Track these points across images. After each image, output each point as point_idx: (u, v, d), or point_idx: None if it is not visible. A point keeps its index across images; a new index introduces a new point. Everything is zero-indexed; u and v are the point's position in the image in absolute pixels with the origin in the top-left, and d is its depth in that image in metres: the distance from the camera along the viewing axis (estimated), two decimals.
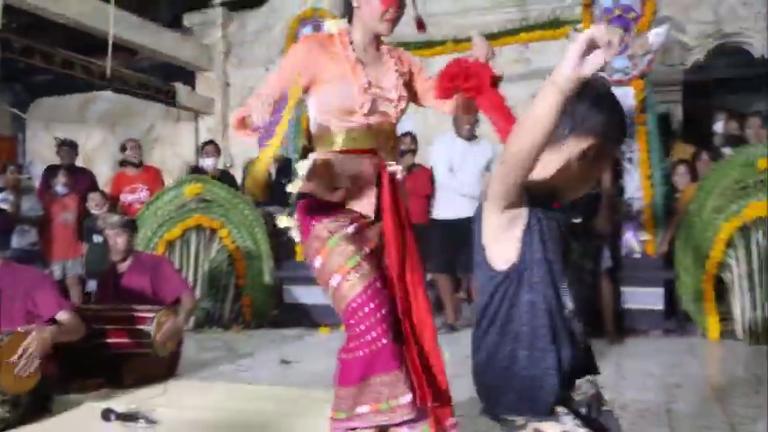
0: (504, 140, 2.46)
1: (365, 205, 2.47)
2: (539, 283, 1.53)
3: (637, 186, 6.06)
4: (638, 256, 6.03)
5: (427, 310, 2.52)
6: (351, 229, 2.43)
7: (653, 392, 3.92)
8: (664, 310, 5.84)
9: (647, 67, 6.23)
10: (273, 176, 7.59)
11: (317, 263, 2.46)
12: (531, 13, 7.49)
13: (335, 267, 2.40)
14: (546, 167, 1.57)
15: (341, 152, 2.47)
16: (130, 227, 5.02)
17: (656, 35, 6.22)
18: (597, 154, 1.58)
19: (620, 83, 6.20)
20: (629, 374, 4.39)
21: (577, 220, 5.56)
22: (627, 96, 6.20)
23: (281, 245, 7.04)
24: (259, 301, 6.98)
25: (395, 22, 2.46)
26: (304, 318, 6.75)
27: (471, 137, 6.14)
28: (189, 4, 10.38)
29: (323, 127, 2.51)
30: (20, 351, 3.41)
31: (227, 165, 9.12)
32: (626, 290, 5.89)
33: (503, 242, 1.54)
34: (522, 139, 1.41)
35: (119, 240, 4.85)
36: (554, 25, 7.00)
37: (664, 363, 4.73)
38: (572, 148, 1.57)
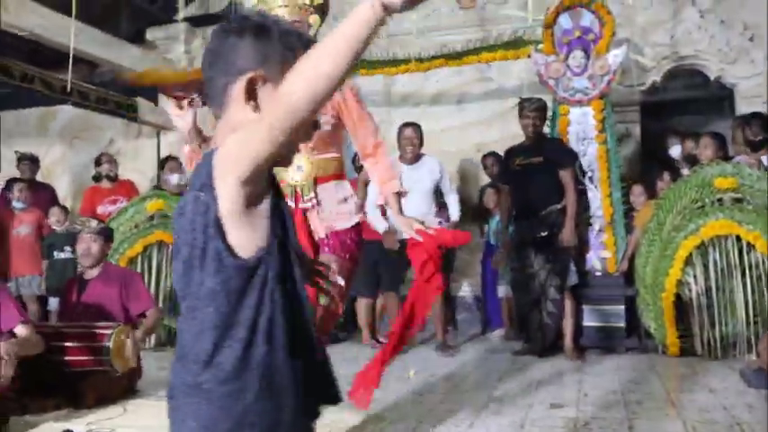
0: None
1: None
2: (276, 278, 1.29)
3: (598, 205, 6.14)
4: (599, 274, 6.09)
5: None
6: None
7: (615, 409, 3.93)
8: (625, 328, 5.89)
9: (605, 87, 6.33)
10: None
11: None
12: (493, 33, 7.55)
13: None
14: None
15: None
16: (106, 235, 4.99)
17: (614, 56, 6.33)
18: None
19: (579, 103, 6.31)
20: (590, 391, 4.40)
21: (543, 234, 5.60)
22: (587, 116, 6.30)
23: None
24: None
25: None
26: None
27: (414, 160, 6.15)
28: (151, 20, 10.29)
29: None
30: None
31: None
32: (587, 307, 5.95)
33: (246, 225, 1.26)
34: (314, 73, 1.13)
35: (93, 246, 4.80)
36: (515, 45, 7.08)
37: (625, 379, 4.76)
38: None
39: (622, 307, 5.90)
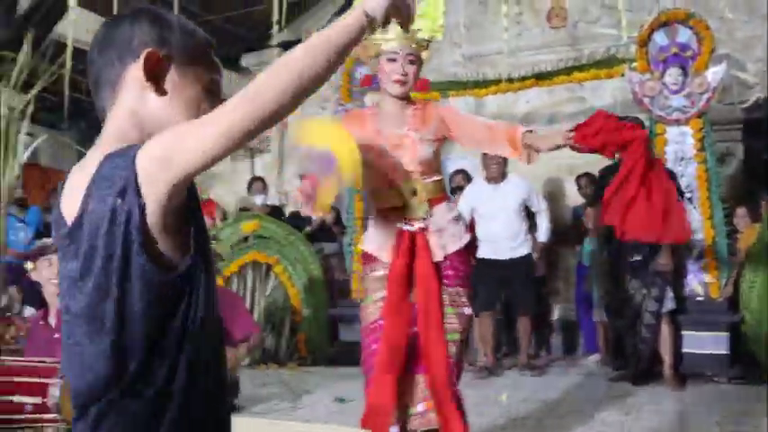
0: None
1: (386, 256, 2.77)
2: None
3: (699, 227, 5.90)
4: (701, 298, 5.85)
5: (440, 353, 2.70)
6: (378, 274, 2.80)
7: None
8: (728, 356, 5.63)
9: (705, 105, 6.10)
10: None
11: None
12: (585, 52, 7.42)
13: (361, 306, 2.99)
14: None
15: (380, 209, 2.83)
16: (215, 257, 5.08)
17: (714, 73, 6.11)
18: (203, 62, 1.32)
19: (677, 122, 6.11)
20: (692, 423, 4.23)
21: (638, 258, 5.42)
22: (685, 135, 6.10)
23: (337, 283, 7.05)
24: (315, 338, 6.96)
25: (403, 83, 2.68)
26: (359, 356, 6.68)
27: (499, 177, 6.07)
28: (247, 46, 10.58)
29: (370, 188, 2.91)
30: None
31: (283, 202, 9.18)
32: (688, 333, 5.72)
33: (170, 237, 1.13)
34: (287, 70, 1.09)
35: None
36: (608, 64, 6.91)
37: (728, 411, 4.53)
38: (184, 80, 1.26)
39: (726, 334, 5.64)
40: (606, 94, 8.23)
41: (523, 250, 6.08)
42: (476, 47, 8.37)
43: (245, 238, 7.10)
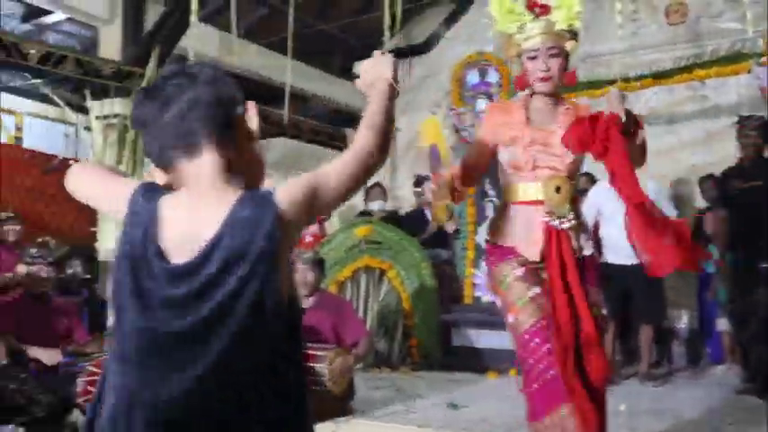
0: (627, 202, 2.54)
1: (531, 251, 2.63)
2: None
3: None
4: None
5: (597, 353, 2.53)
6: (519, 272, 2.62)
7: None
8: None
9: None
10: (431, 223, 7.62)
11: (498, 302, 2.77)
12: (707, 48, 7.12)
13: (508, 306, 2.65)
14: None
15: (517, 203, 2.68)
16: (320, 265, 5.18)
17: None
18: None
19: None
20: None
21: (766, 264, 5.17)
22: None
23: (449, 287, 7.04)
24: (427, 342, 6.97)
25: (548, 80, 2.55)
26: (473, 361, 6.66)
27: None
28: (358, 53, 10.72)
29: (506, 181, 2.76)
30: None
31: (397, 207, 9.25)
32: None
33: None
34: (382, 136, 1.41)
35: (309, 275, 5.00)
36: (733, 60, 6.62)
37: None
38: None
39: None
40: (731, 91, 7.90)
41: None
42: (589, 47, 8.18)
43: (358, 243, 7.18)
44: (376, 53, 1.68)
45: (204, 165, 1.30)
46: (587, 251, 2.67)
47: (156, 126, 1.33)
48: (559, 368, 2.46)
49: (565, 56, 2.54)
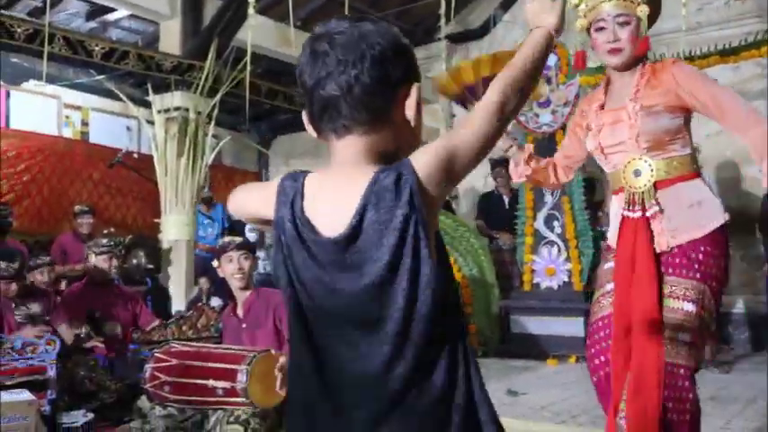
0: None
1: (613, 241, 2.47)
2: None
3: None
4: None
5: (650, 351, 2.28)
6: (608, 266, 2.47)
7: None
8: None
9: None
10: (506, 205, 7.63)
11: None
12: None
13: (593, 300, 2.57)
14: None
15: (612, 193, 2.51)
16: None
17: None
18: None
19: None
20: None
21: None
22: None
23: (508, 275, 7.00)
24: (486, 329, 6.95)
25: (617, 51, 2.30)
26: (531, 348, 6.62)
27: None
28: (414, 40, 10.70)
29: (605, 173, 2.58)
30: (277, 368, 3.62)
31: (453, 195, 9.22)
32: None
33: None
34: (518, 83, 1.29)
35: None
36: None
37: None
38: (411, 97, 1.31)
39: None
40: None
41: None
42: (654, 25, 8.00)
43: None
44: None
45: (351, 145, 1.28)
46: (689, 236, 2.30)
47: (311, 94, 1.32)
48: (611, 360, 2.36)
49: (637, 23, 2.28)
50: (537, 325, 6.66)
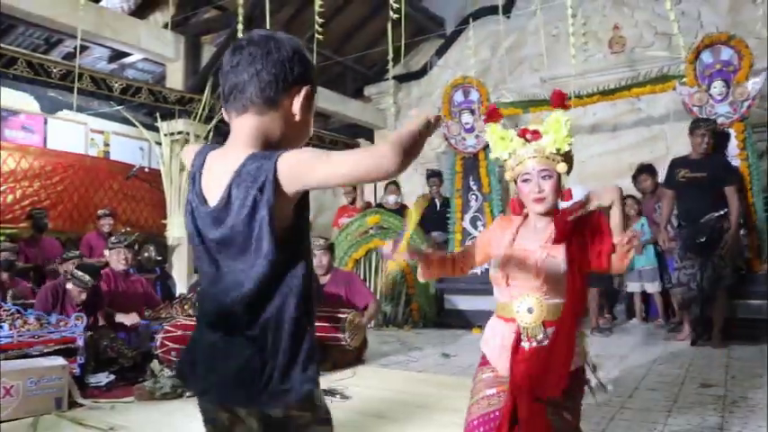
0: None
1: (501, 365, 2.00)
2: None
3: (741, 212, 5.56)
4: (743, 272, 5.50)
5: None
6: (485, 376, 2.03)
7: (761, 391, 3.54)
8: None
9: (746, 111, 5.76)
10: (438, 207, 7.70)
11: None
12: (641, 71, 7.10)
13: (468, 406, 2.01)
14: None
15: (497, 317, 2.08)
16: (332, 249, 5.23)
17: (753, 84, 5.74)
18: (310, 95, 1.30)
19: (722, 126, 5.77)
20: (737, 375, 4.01)
21: (702, 240, 5.14)
22: (731, 135, 5.76)
23: None
24: (425, 306, 7.02)
25: (541, 200, 1.97)
26: (461, 320, 6.71)
27: None
28: (368, 79, 10.75)
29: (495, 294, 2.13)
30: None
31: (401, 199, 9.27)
32: (733, 301, 5.39)
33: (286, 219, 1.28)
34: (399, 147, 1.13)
35: (323, 259, 5.05)
36: (662, 80, 6.59)
37: None
38: (310, 107, 1.30)
39: (766, 302, 5.30)
40: (660, 105, 7.90)
41: None
42: (551, 71, 8.18)
43: (369, 229, 7.22)
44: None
45: (244, 123, 1.27)
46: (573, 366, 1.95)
47: (225, 79, 1.30)
48: None
49: (557, 177, 2.04)
50: (465, 302, 6.74)
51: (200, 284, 1.37)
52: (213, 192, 1.25)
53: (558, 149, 1.96)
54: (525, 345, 1.95)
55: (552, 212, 2.02)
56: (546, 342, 1.94)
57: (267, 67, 1.24)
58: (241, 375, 1.21)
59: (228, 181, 1.20)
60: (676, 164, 5.51)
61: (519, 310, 1.97)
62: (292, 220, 1.22)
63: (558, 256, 1.95)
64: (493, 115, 2.15)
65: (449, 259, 2.17)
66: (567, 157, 2.04)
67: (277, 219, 1.17)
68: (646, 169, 6.53)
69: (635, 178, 6.69)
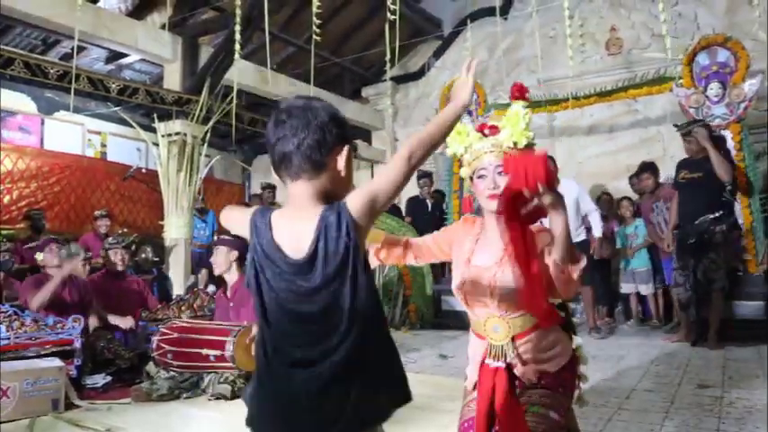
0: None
1: (471, 378, 1.97)
2: None
3: (738, 214, 5.57)
4: (740, 273, 5.51)
5: None
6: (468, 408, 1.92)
7: (759, 391, 3.55)
8: (766, 321, 5.28)
9: (742, 112, 5.77)
10: (429, 208, 7.70)
11: None
12: (638, 73, 7.11)
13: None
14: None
15: (473, 330, 1.98)
16: None
17: (750, 85, 5.76)
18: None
19: (718, 127, 5.79)
20: (734, 375, 4.01)
21: (691, 241, 5.14)
22: (726, 138, 5.77)
23: (440, 264, 7.09)
24: (422, 307, 7.01)
25: (496, 197, 1.80)
26: (458, 321, 6.68)
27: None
28: (365, 81, 10.75)
29: None
30: (248, 338, 3.63)
31: (396, 200, 9.29)
32: (729, 302, 5.39)
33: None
34: (429, 140, 1.36)
35: None
36: (658, 82, 6.61)
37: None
38: (350, 161, 1.43)
39: (763, 303, 5.31)
40: (657, 106, 7.91)
41: (581, 236, 5.75)
42: (548, 73, 8.20)
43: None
44: (463, 74, 1.53)
45: (301, 187, 1.38)
46: (551, 369, 1.86)
47: (273, 150, 1.41)
48: None
49: None
50: (462, 304, 6.73)
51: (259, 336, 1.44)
52: (289, 247, 1.36)
53: (516, 143, 1.89)
54: (490, 362, 1.88)
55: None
56: (512, 359, 1.85)
57: (309, 136, 1.35)
58: (362, 406, 1.32)
59: (314, 235, 1.32)
60: (680, 165, 5.54)
61: (486, 329, 1.91)
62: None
63: (509, 271, 1.81)
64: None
65: (400, 246, 2.11)
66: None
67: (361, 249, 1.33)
68: (648, 168, 6.51)
69: (637, 176, 6.66)
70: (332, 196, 1.38)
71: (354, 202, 1.31)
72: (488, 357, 1.89)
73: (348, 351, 1.31)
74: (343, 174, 1.39)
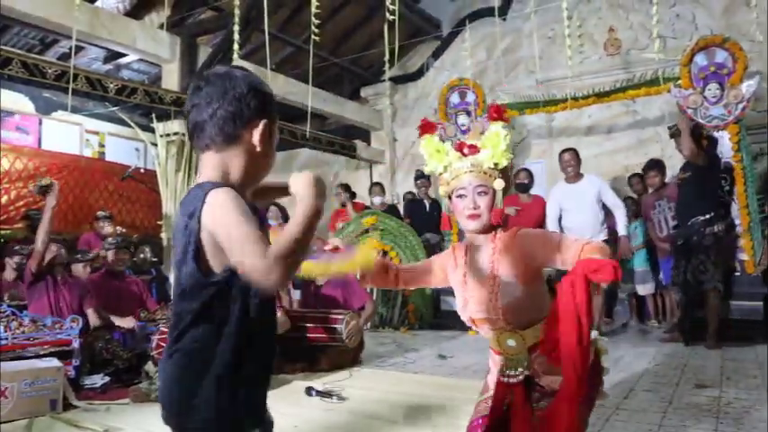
0: None
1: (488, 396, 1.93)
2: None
3: (736, 214, 5.59)
4: (737, 274, 5.53)
5: None
6: (482, 398, 1.98)
7: (756, 391, 3.56)
8: (763, 321, 5.29)
9: (740, 113, 5.77)
10: (427, 209, 7.70)
11: None
12: (636, 74, 7.11)
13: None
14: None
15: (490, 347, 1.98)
16: None
17: (747, 86, 5.76)
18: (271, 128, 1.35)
19: (716, 128, 5.79)
20: (732, 375, 4.02)
21: (680, 242, 5.17)
22: (723, 138, 5.78)
23: None
24: (421, 308, 7.01)
25: (476, 217, 1.84)
26: (457, 321, 6.66)
27: (575, 178, 5.88)
28: (364, 81, 10.75)
29: None
30: None
31: (395, 201, 9.29)
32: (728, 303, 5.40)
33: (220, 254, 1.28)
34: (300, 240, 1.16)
35: None
36: (656, 82, 6.61)
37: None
38: (272, 137, 1.35)
39: (761, 303, 5.31)
40: (655, 107, 7.93)
41: (602, 236, 5.73)
42: (546, 73, 8.20)
43: (366, 230, 7.22)
44: (295, 175, 1.33)
45: (207, 158, 1.32)
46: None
47: (187, 119, 1.35)
48: None
49: (493, 193, 1.89)
50: None
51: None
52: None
53: (496, 164, 1.87)
54: (506, 377, 1.86)
55: (488, 231, 1.88)
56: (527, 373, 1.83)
57: (224, 106, 1.28)
58: None
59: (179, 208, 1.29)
60: (681, 167, 5.58)
61: (501, 343, 1.89)
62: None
63: (512, 278, 1.81)
64: (426, 128, 2.02)
65: (392, 272, 2.10)
66: (504, 174, 1.93)
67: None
68: (655, 165, 6.45)
69: (644, 173, 6.65)
70: (240, 175, 1.31)
71: (208, 215, 1.19)
72: (506, 370, 1.87)
73: (182, 336, 1.27)
74: (258, 149, 1.31)
